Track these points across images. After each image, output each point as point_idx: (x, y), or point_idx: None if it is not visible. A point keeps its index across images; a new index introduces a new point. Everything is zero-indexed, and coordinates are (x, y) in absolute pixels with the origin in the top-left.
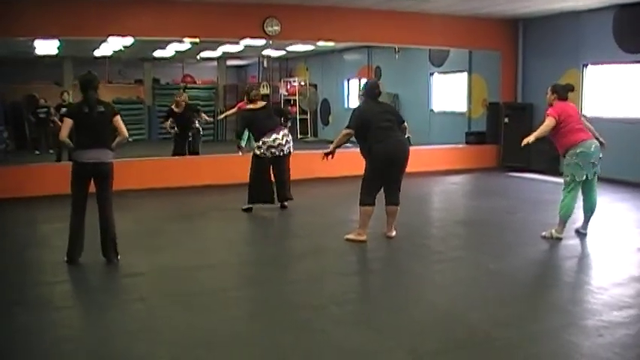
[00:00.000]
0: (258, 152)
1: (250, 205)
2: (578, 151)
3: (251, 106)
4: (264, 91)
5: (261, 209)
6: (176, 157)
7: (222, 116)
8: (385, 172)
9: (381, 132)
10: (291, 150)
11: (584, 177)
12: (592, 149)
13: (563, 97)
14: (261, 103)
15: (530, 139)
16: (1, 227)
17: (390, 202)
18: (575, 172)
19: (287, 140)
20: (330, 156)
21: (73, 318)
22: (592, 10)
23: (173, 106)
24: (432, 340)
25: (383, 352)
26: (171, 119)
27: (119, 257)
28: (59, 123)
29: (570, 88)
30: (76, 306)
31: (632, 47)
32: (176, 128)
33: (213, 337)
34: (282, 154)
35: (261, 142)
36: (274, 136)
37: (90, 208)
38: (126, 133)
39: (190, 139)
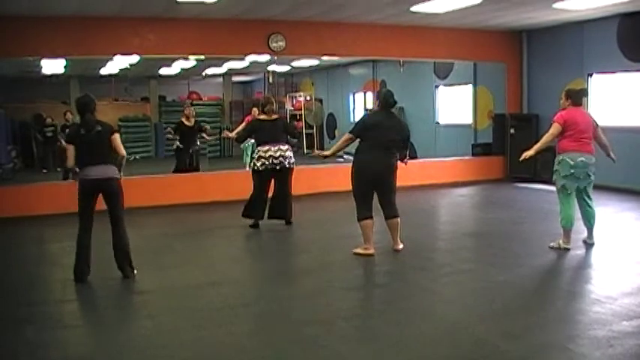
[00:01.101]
0: (253, 164)
1: (256, 222)
2: (561, 158)
3: (262, 116)
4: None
5: (267, 225)
6: (182, 175)
7: (235, 133)
8: (369, 185)
9: (375, 149)
10: (291, 166)
11: (562, 186)
12: (577, 161)
13: (577, 103)
14: (273, 116)
15: (530, 153)
16: (11, 245)
17: (388, 215)
18: (557, 178)
19: (282, 155)
20: (324, 156)
21: (82, 336)
22: (596, 19)
23: (183, 119)
24: (440, 353)
25: None
26: (178, 134)
27: (135, 272)
28: (63, 143)
29: (584, 93)
30: (85, 324)
31: (637, 56)
32: (180, 144)
33: (223, 353)
34: (276, 167)
35: (255, 153)
36: (268, 147)
37: (100, 226)
38: (123, 152)
39: (191, 153)
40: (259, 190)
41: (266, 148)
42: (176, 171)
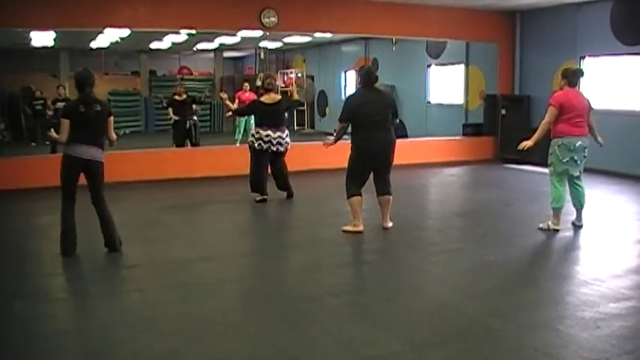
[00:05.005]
0: (249, 140)
1: (263, 197)
2: (560, 142)
3: (264, 98)
4: (260, 83)
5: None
6: (172, 149)
7: (230, 114)
8: (368, 167)
9: (369, 128)
10: (285, 150)
11: (564, 170)
12: (576, 145)
13: (572, 83)
14: (275, 97)
15: (529, 144)
16: None
17: (381, 192)
18: (555, 161)
19: (280, 142)
20: (330, 144)
21: (71, 309)
22: (589, 1)
23: (176, 96)
24: (429, 331)
25: (380, 343)
26: (171, 109)
27: (122, 245)
28: (49, 113)
29: (581, 73)
30: (74, 297)
31: (629, 39)
32: (176, 116)
33: (211, 327)
34: (272, 150)
35: (254, 131)
36: (269, 132)
37: (86, 200)
38: (113, 136)
39: (189, 128)
40: (256, 168)
41: (267, 132)
42: (176, 146)
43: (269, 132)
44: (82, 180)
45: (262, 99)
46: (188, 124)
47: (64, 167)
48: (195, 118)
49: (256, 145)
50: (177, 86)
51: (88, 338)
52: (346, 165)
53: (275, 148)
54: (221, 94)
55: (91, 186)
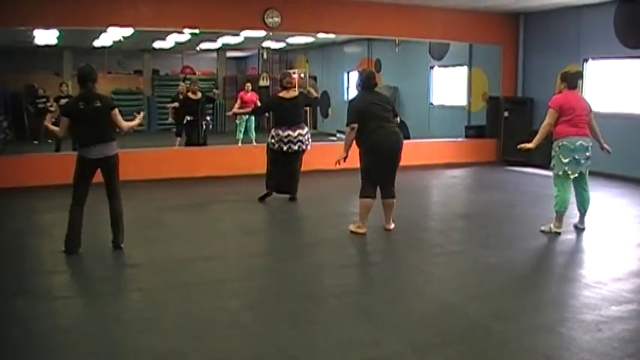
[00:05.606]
0: (269, 141)
1: (264, 194)
2: (561, 143)
3: (282, 93)
4: (264, 82)
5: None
6: (175, 149)
7: (231, 113)
8: (381, 163)
9: (377, 122)
10: (306, 148)
11: (564, 171)
12: (576, 145)
13: (572, 86)
14: (293, 93)
15: (530, 146)
16: (0, 217)
17: (386, 195)
18: (557, 163)
19: (300, 139)
20: (343, 160)
21: (72, 308)
22: (593, 4)
23: (189, 94)
24: (430, 332)
25: (382, 344)
26: (174, 108)
27: (123, 245)
28: (51, 110)
29: (580, 76)
30: (75, 296)
31: (633, 42)
32: (188, 117)
33: (212, 327)
34: (291, 150)
35: (274, 133)
36: (288, 132)
37: (92, 198)
38: (124, 126)
39: (204, 128)
40: (273, 167)
41: (287, 132)
42: (188, 144)
43: (289, 132)
44: (97, 177)
45: (281, 94)
46: (204, 125)
47: (78, 166)
48: (208, 118)
49: (277, 147)
50: (190, 84)
51: (89, 337)
52: (349, 166)
53: (297, 147)
54: (234, 111)
55: (106, 180)
